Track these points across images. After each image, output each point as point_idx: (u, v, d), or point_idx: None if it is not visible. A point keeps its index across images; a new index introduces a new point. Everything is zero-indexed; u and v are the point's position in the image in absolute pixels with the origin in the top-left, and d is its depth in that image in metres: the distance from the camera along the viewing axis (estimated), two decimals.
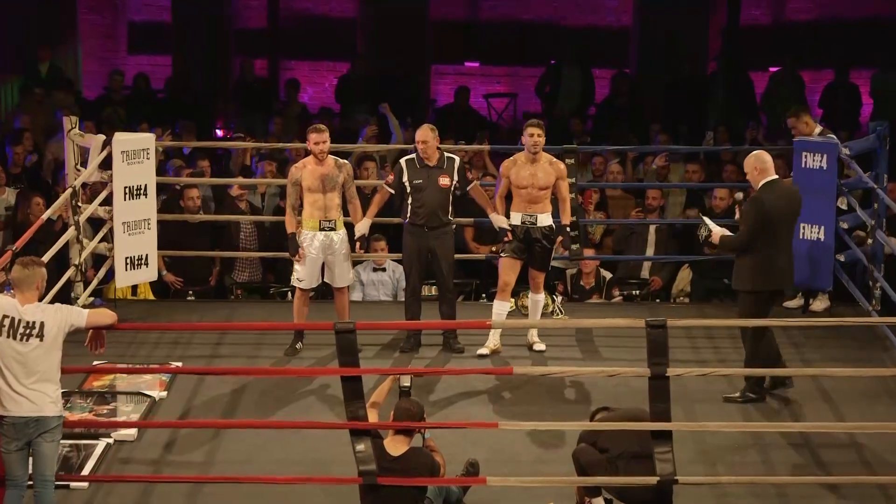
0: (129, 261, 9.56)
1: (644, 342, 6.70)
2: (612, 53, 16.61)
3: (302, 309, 8.95)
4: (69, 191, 9.29)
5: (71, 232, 9.33)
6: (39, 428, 6.39)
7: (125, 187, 9.47)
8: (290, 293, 10.36)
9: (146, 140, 9.74)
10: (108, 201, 9.62)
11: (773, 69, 15.54)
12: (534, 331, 9.11)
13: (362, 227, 8.98)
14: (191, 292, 10.59)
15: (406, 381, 6.93)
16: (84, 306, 8.58)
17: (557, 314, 9.72)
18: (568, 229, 8.99)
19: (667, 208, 11.38)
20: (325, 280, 8.99)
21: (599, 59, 16.25)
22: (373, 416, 6.78)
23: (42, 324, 6.41)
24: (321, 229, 8.82)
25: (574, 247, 9.58)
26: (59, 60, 15.11)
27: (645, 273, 10.95)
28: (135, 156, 9.51)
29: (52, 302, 7.08)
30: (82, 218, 9.44)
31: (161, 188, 10.28)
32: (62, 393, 6.57)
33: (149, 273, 9.77)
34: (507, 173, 8.89)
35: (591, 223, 11.05)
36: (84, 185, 9.70)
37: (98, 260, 10.03)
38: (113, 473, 7.28)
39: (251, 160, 12.14)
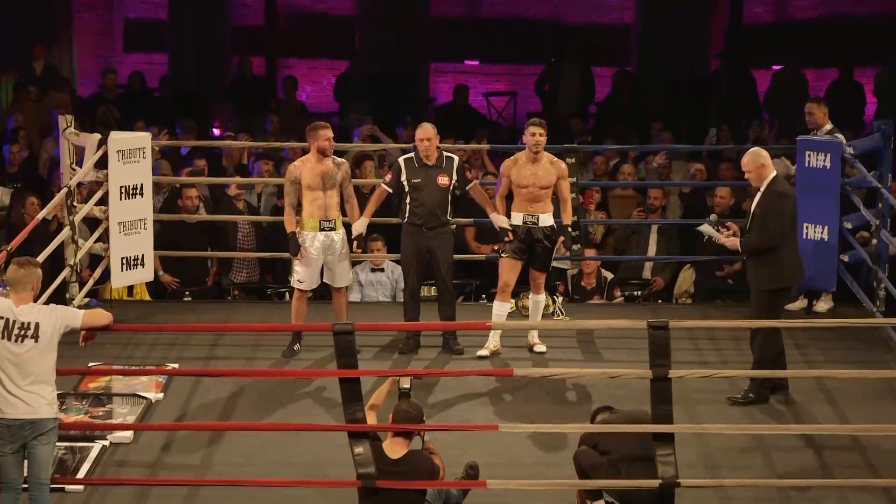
0: (124, 261, 9.56)
1: (646, 343, 6.70)
2: (614, 51, 16.61)
3: (300, 310, 8.95)
4: (64, 190, 9.29)
5: (66, 232, 9.33)
6: (35, 430, 6.39)
7: (121, 187, 9.48)
8: (287, 294, 10.36)
9: (142, 139, 9.74)
10: (103, 201, 9.62)
11: (776, 67, 15.53)
12: (534, 332, 9.12)
13: (360, 227, 8.98)
14: (188, 293, 10.59)
15: (406, 383, 6.93)
16: (79, 307, 8.56)
17: (558, 315, 9.73)
18: (569, 229, 9.00)
19: (668, 208, 11.37)
20: (324, 281, 8.99)
21: (601, 56, 16.24)
22: (371, 419, 6.78)
23: (37, 325, 6.41)
24: (322, 229, 8.82)
25: (575, 247, 9.58)
26: (53, 58, 15.11)
27: (647, 273, 10.95)
28: (131, 155, 9.52)
29: (47, 303, 7.09)
30: (78, 218, 9.44)
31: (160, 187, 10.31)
32: (57, 395, 6.57)
33: (145, 273, 9.77)
34: (508, 173, 8.90)
35: (592, 223, 11.05)
36: (79, 184, 9.70)
37: (94, 260, 10.03)
38: (109, 476, 7.28)
39: (248, 159, 12.13)
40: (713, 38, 16.26)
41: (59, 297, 9.01)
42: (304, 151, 9.03)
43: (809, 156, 9.60)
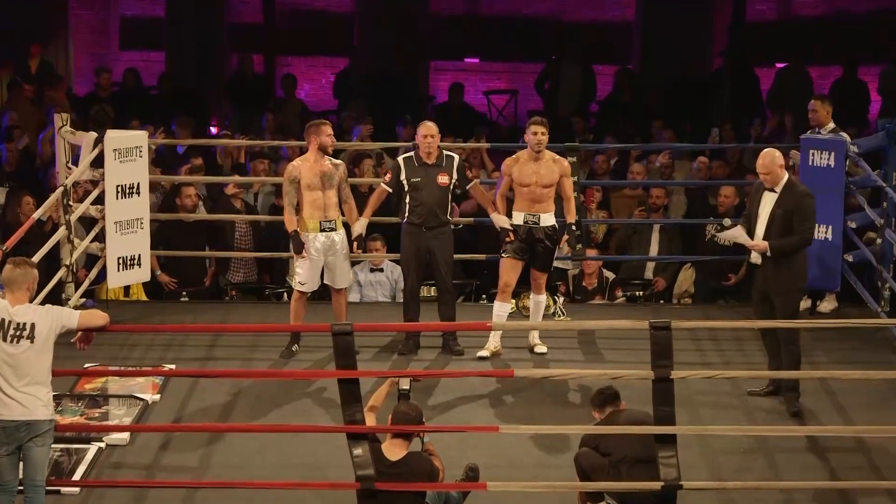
0: (121, 261, 9.57)
1: (648, 344, 6.70)
2: (615, 49, 16.61)
3: (299, 310, 8.95)
4: (60, 189, 9.29)
5: (62, 231, 9.33)
6: (31, 432, 6.39)
7: (117, 186, 9.48)
8: (286, 294, 10.36)
9: (138, 138, 9.74)
10: (99, 200, 9.62)
11: (779, 65, 15.53)
12: (535, 333, 9.12)
13: (359, 228, 8.98)
14: (185, 293, 10.59)
15: (405, 384, 6.93)
16: (75, 307, 8.58)
17: (559, 315, 9.73)
18: (573, 228, 8.98)
19: (671, 207, 11.37)
20: (324, 281, 8.99)
21: (602, 54, 16.24)
22: (371, 420, 6.78)
23: (33, 325, 6.41)
24: (322, 230, 8.82)
25: (577, 247, 9.58)
26: (49, 56, 15.10)
27: (648, 273, 10.95)
28: (127, 154, 9.52)
29: (43, 303, 7.09)
30: (73, 217, 9.44)
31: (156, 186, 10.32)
32: (53, 396, 6.57)
33: (141, 273, 9.77)
34: (509, 171, 8.90)
35: (593, 222, 11.05)
36: (75, 183, 9.70)
37: (90, 260, 10.03)
38: (105, 478, 7.29)
39: (245, 158, 12.12)
40: (716, 36, 16.25)
41: (55, 298, 9.01)
42: (303, 150, 9.02)
43: (814, 154, 9.60)
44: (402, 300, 9.34)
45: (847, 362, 8.74)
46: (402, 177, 8.98)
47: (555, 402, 8.30)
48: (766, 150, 8.18)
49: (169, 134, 12.21)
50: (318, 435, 7.48)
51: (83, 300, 9.67)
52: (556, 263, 9.82)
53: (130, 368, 8.61)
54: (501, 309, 8.95)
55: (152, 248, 9.86)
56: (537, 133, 8.80)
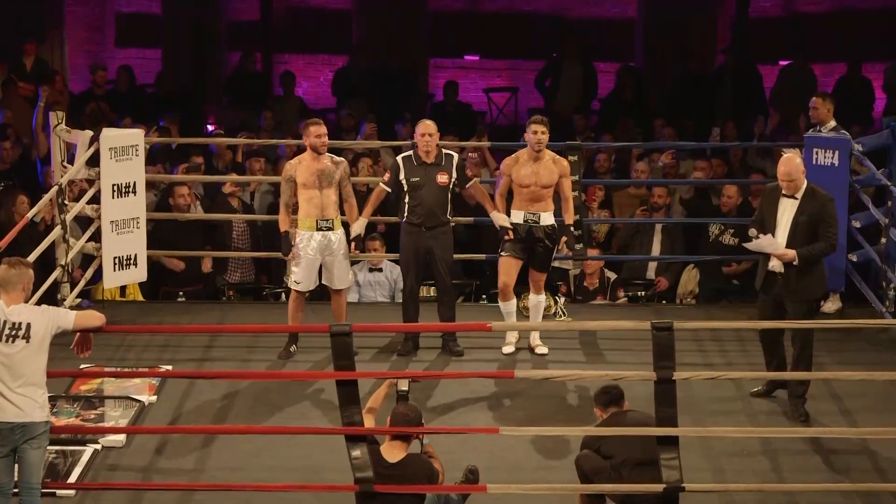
0: (117, 261, 9.57)
1: (650, 345, 6.71)
2: (617, 46, 16.61)
3: (296, 311, 8.96)
4: (55, 189, 9.29)
5: (57, 231, 9.33)
6: (26, 434, 6.40)
7: (113, 185, 9.48)
8: (283, 294, 10.37)
9: (135, 136, 9.74)
10: (95, 199, 9.63)
11: (783, 62, 15.54)
12: (536, 333, 9.13)
13: (358, 228, 8.99)
14: (181, 293, 10.59)
15: (404, 385, 6.94)
16: (71, 308, 8.58)
17: (560, 316, 9.73)
18: (571, 228, 9.00)
19: (673, 206, 11.37)
20: (322, 282, 8.99)
21: (603, 52, 16.24)
22: (369, 422, 6.79)
23: (28, 325, 6.42)
24: (318, 229, 8.83)
25: (577, 246, 9.59)
26: (44, 54, 15.10)
27: (650, 273, 10.95)
28: (123, 152, 9.52)
29: (38, 303, 7.09)
30: (69, 217, 9.44)
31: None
32: (48, 397, 6.57)
33: (138, 273, 9.77)
34: (509, 171, 8.91)
35: (595, 222, 11.05)
36: (71, 182, 9.70)
37: (85, 260, 10.03)
38: (100, 481, 7.29)
39: (243, 157, 12.12)
40: (718, 33, 16.25)
41: (51, 298, 9.01)
42: (300, 149, 9.03)
43: (817, 153, 9.61)
44: (401, 300, 9.35)
45: (851, 363, 8.74)
46: (401, 176, 8.98)
47: (556, 403, 8.30)
48: (787, 155, 8.10)
49: (163, 133, 12.20)
50: (316, 437, 7.48)
51: (79, 300, 9.68)
52: (557, 264, 9.84)
53: (127, 369, 8.62)
54: (507, 308, 9.00)
55: (148, 247, 9.85)
56: (537, 132, 8.80)
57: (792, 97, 13.84)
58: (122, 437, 7.68)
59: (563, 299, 10.02)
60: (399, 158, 9.07)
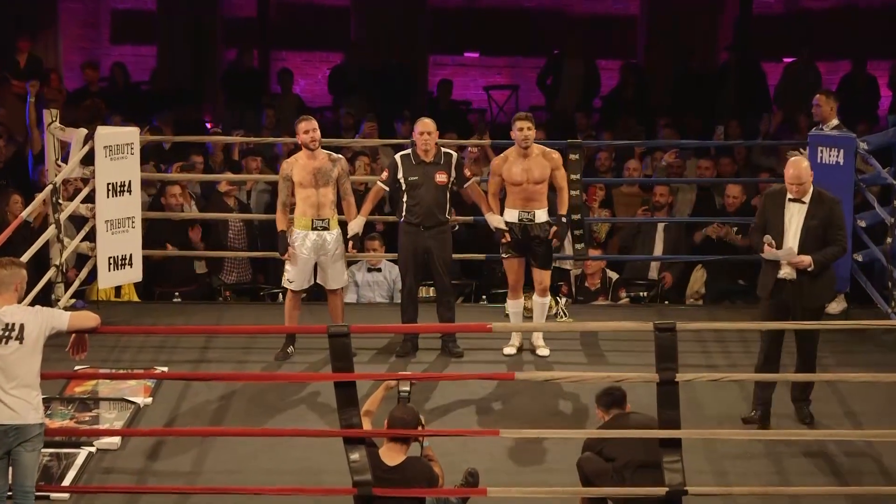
0: (112, 261, 9.57)
1: (652, 346, 6.71)
2: (619, 43, 16.61)
3: (293, 311, 8.96)
4: (49, 188, 9.29)
5: (51, 230, 9.33)
6: (20, 436, 6.39)
7: (108, 184, 9.48)
8: (281, 295, 10.36)
9: (130, 134, 9.74)
10: (90, 198, 9.62)
11: (787, 60, 15.54)
12: (538, 335, 9.12)
13: (355, 227, 8.98)
14: (177, 294, 10.59)
15: (405, 387, 6.94)
16: (65, 308, 8.58)
17: (561, 317, 9.73)
18: (564, 220, 8.96)
19: (675, 206, 11.37)
20: (317, 281, 9.00)
21: (605, 49, 16.23)
22: (366, 425, 6.78)
23: (22, 326, 6.41)
24: (314, 228, 8.83)
25: (579, 246, 9.58)
26: (38, 51, 15.10)
27: (653, 273, 10.95)
28: (118, 151, 9.52)
29: (31, 304, 7.09)
30: (63, 216, 9.44)
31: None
32: (42, 399, 6.56)
33: (133, 274, 9.77)
34: (499, 171, 8.90)
35: (596, 221, 11.04)
36: (65, 181, 9.69)
37: (80, 260, 10.03)
38: (95, 484, 7.29)
39: (239, 155, 12.11)
40: (722, 30, 16.25)
41: (45, 298, 9.01)
42: (297, 147, 9.03)
43: (822, 151, 9.60)
44: (399, 301, 9.34)
45: (856, 365, 8.73)
46: (400, 175, 8.98)
47: (557, 405, 8.30)
48: (795, 158, 7.99)
49: (153, 130, 12.18)
50: (314, 439, 7.48)
51: (73, 301, 9.67)
52: (557, 264, 9.83)
53: (122, 371, 8.62)
54: (514, 307, 9.02)
55: (144, 247, 9.84)
56: (523, 129, 8.78)
57: (796, 95, 13.85)
58: (117, 440, 7.68)
59: (564, 300, 10.01)
60: (397, 157, 9.07)
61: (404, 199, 8.99)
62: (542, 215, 8.87)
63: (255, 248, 10.89)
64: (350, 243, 8.97)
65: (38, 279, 9.03)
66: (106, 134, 9.56)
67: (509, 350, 9.07)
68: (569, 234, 9.56)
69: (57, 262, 9.45)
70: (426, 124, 8.99)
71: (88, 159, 9.51)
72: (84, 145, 9.50)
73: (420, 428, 6.72)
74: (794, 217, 7.87)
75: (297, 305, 8.97)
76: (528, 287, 9.24)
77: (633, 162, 11.66)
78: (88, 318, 6.68)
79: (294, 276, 8.88)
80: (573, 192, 9.46)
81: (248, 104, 14.39)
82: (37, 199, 9.22)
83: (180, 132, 12.36)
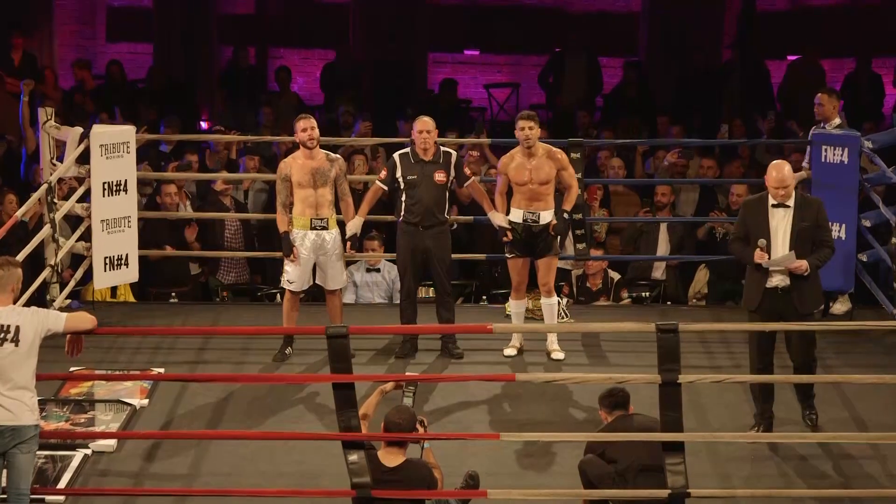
0: (108, 261, 9.57)
1: (654, 347, 6.71)
2: (621, 41, 16.60)
3: (291, 312, 8.96)
4: (44, 187, 9.28)
5: (46, 230, 9.33)
6: (15, 438, 6.40)
7: (104, 183, 9.48)
8: (279, 295, 10.37)
9: (126, 133, 9.74)
10: (85, 198, 9.62)
11: (791, 58, 15.54)
12: (553, 338, 9.08)
13: (354, 227, 8.99)
14: (174, 294, 10.59)
15: (412, 386, 6.95)
16: (60, 309, 8.57)
17: (562, 317, 9.72)
18: (566, 216, 8.95)
19: (679, 206, 11.37)
20: (316, 282, 9.00)
21: (607, 46, 16.23)
22: (363, 429, 6.79)
23: (17, 327, 6.42)
24: (312, 228, 8.83)
25: (580, 246, 9.58)
26: (32, 48, 15.10)
27: (656, 274, 10.95)
28: (114, 150, 9.52)
29: (26, 305, 7.09)
30: (58, 215, 9.44)
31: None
32: (37, 401, 6.57)
33: (129, 274, 9.77)
34: (505, 170, 8.89)
35: (596, 220, 11.04)
36: (60, 180, 9.69)
37: (75, 260, 10.03)
38: (91, 486, 7.29)
39: (237, 154, 12.11)
40: (725, 27, 16.25)
41: (40, 299, 9.01)
42: (295, 146, 9.03)
43: (826, 150, 9.60)
44: (399, 301, 9.34)
45: (861, 366, 8.73)
46: (398, 174, 8.98)
47: (558, 407, 8.30)
48: (777, 162, 7.84)
49: (153, 131, 12.16)
50: (312, 441, 7.49)
51: (68, 301, 9.67)
52: (559, 264, 9.82)
53: (118, 372, 8.61)
54: (517, 307, 9.03)
55: (140, 247, 9.85)
56: (524, 128, 8.77)
57: (800, 93, 13.85)
58: (112, 442, 7.68)
59: (565, 300, 10.01)
60: (396, 156, 9.07)
61: (403, 198, 8.99)
62: (546, 216, 8.86)
63: (252, 248, 10.89)
64: (348, 243, 8.98)
65: (33, 279, 9.03)
66: (101, 132, 9.56)
67: (510, 351, 9.07)
68: (570, 233, 9.55)
69: (52, 263, 9.44)
70: (425, 122, 8.99)
71: (84, 158, 9.51)
72: (79, 144, 9.49)
73: (420, 429, 6.73)
74: (781, 222, 7.73)
75: (296, 306, 8.97)
76: (532, 287, 9.24)
77: (616, 160, 11.63)
78: (84, 320, 6.68)
79: (294, 277, 8.88)
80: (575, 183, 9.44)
81: (246, 102, 14.38)
82: (32, 199, 9.21)
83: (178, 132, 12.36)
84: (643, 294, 10.76)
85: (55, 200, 9.40)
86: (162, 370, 8.68)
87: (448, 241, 9.12)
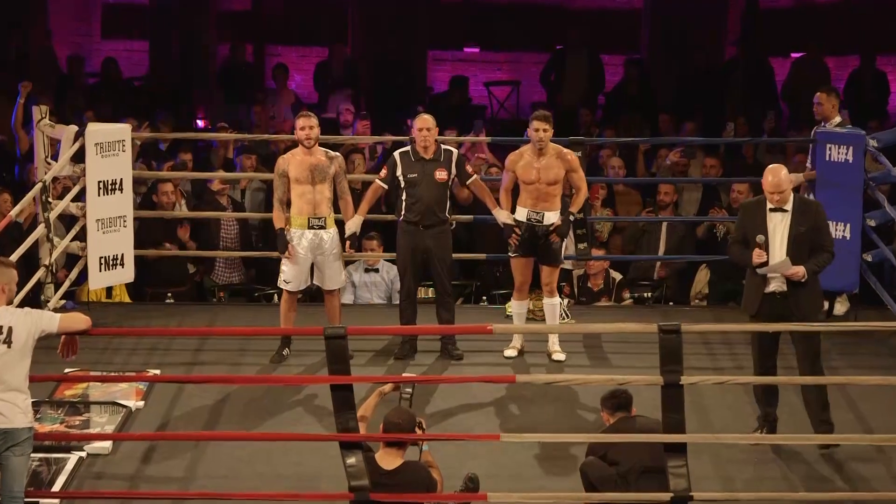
0: (103, 261, 9.56)
1: (656, 348, 6.71)
2: (623, 38, 16.60)
3: (289, 313, 8.96)
4: (38, 186, 9.28)
5: (41, 230, 9.32)
6: (8, 441, 6.39)
7: (99, 182, 9.48)
8: (276, 296, 10.36)
9: (121, 131, 9.73)
10: (80, 197, 9.62)
11: (795, 55, 15.54)
12: (554, 339, 9.08)
13: (353, 226, 8.99)
14: (169, 295, 10.59)
15: (408, 388, 6.94)
16: (55, 310, 8.58)
17: (563, 318, 9.72)
18: (570, 217, 8.95)
19: (681, 205, 11.37)
20: (314, 282, 9.00)
21: (609, 44, 16.23)
22: (361, 431, 6.78)
23: (10, 329, 6.41)
24: (310, 227, 8.83)
25: (581, 246, 9.58)
26: (27, 45, 15.09)
27: (658, 274, 10.95)
28: (109, 148, 9.51)
29: (20, 305, 7.09)
30: (53, 215, 9.43)
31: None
32: (31, 403, 6.56)
33: (125, 274, 9.76)
34: (513, 167, 8.89)
35: (598, 220, 11.04)
36: (55, 179, 9.69)
37: (70, 260, 10.03)
38: (86, 489, 7.29)
39: (233, 153, 12.12)
40: (729, 24, 16.25)
41: (34, 300, 9.01)
42: (295, 144, 9.03)
43: (830, 149, 9.60)
44: (398, 302, 9.35)
45: (866, 367, 8.74)
46: (398, 172, 8.98)
47: (559, 408, 8.30)
48: (773, 166, 7.77)
49: (153, 128, 12.19)
50: (310, 444, 7.49)
51: (63, 302, 9.66)
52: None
53: (113, 374, 8.62)
54: (519, 308, 9.03)
55: (135, 247, 9.84)
56: (539, 129, 8.77)
57: (804, 91, 13.84)
58: (108, 444, 7.68)
59: (566, 301, 10.01)
60: (396, 154, 9.06)
61: (403, 197, 8.99)
62: (551, 217, 8.86)
63: (250, 248, 10.88)
64: (347, 243, 8.97)
65: (28, 280, 9.03)
66: (97, 131, 9.55)
67: (510, 352, 9.07)
68: (571, 233, 9.56)
69: (46, 263, 9.44)
70: (425, 120, 8.99)
71: (79, 157, 9.50)
72: (74, 142, 9.49)
73: (419, 431, 6.73)
74: (779, 227, 7.68)
75: (294, 307, 8.97)
76: (533, 288, 9.24)
77: (616, 160, 11.63)
78: (79, 321, 6.68)
79: (291, 277, 8.88)
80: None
81: (243, 100, 14.38)
82: (26, 198, 9.21)
83: (172, 130, 12.37)
84: (645, 294, 10.76)
85: (50, 199, 9.39)
86: (158, 371, 8.68)
87: (449, 241, 9.12)
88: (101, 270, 9.58)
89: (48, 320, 6.55)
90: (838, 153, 9.55)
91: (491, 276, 10.80)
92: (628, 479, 6.73)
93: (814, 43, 15.14)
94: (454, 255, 9.31)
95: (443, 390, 8.46)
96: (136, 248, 9.86)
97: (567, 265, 10.55)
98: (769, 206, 7.69)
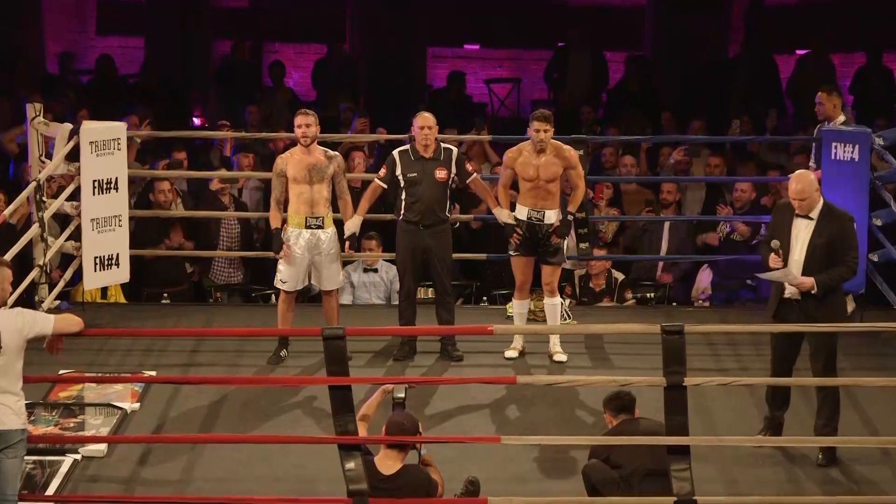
0: (98, 261, 9.56)
1: (659, 349, 6.70)
2: (626, 35, 16.60)
3: (286, 313, 8.96)
4: (32, 185, 9.27)
5: (35, 229, 9.32)
6: (1, 443, 6.39)
7: (94, 181, 9.46)
8: (274, 296, 10.36)
9: (117, 130, 9.72)
10: (75, 196, 9.61)
11: (800, 52, 15.54)
12: (555, 339, 9.08)
13: (352, 226, 8.98)
14: (166, 295, 10.59)
15: (400, 392, 6.94)
16: (49, 310, 8.58)
17: (565, 319, 9.72)
18: (570, 218, 8.95)
19: (685, 204, 11.36)
20: (311, 282, 9.00)
21: (611, 40, 16.23)
22: (362, 432, 6.79)
23: (1, 330, 6.40)
24: (307, 227, 8.83)
25: (583, 245, 9.57)
26: (21, 42, 15.08)
27: (660, 274, 10.95)
28: (104, 146, 9.50)
29: (14, 306, 7.08)
30: (47, 214, 9.43)
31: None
32: (25, 404, 6.56)
33: (120, 274, 9.75)
34: (512, 164, 8.90)
35: (601, 219, 11.04)
36: (49, 178, 9.69)
37: (64, 260, 10.02)
38: (80, 493, 7.28)
39: (230, 151, 12.12)
40: (733, 21, 16.25)
41: (28, 300, 9.01)
42: (293, 143, 9.04)
43: (836, 147, 9.59)
44: (397, 302, 9.34)
45: (871, 368, 8.74)
46: (398, 172, 8.97)
47: (560, 410, 8.30)
48: (799, 172, 7.78)
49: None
50: (308, 446, 7.48)
51: (58, 302, 9.66)
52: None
53: (108, 375, 8.62)
54: (520, 308, 9.03)
55: (131, 247, 9.84)
56: (539, 130, 8.77)
57: (808, 89, 13.84)
58: (103, 447, 7.67)
59: (567, 301, 10.01)
60: (396, 153, 9.06)
61: (403, 196, 8.99)
62: (551, 216, 8.85)
63: (251, 247, 10.88)
64: (347, 243, 8.97)
65: (21, 280, 9.02)
66: (91, 129, 9.54)
67: (511, 353, 9.07)
68: (572, 232, 9.55)
69: (41, 263, 9.43)
70: (426, 118, 8.99)
71: (73, 155, 9.50)
72: (69, 141, 9.48)
73: (418, 434, 6.73)
74: (801, 234, 7.65)
75: (291, 307, 8.97)
76: (534, 287, 9.24)
77: (628, 158, 11.62)
78: (72, 323, 6.68)
79: (287, 277, 8.88)
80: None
81: (240, 98, 14.38)
82: (20, 197, 9.20)
83: (165, 127, 12.35)
84: (648, 295, 10.76)
85: (44, 199, 9.39)
86: (154, 373, 8.68)
87: (449, 240, 9.12)
88: (95, 270, 9.57)
89: (42, 322, 6.54)
90: (844, 151, 9.54)
91: (496, 275, 10.75)
92: (631, 483, 6.73)
93: (819, 40, 15.13)
94: (455, 255, 9.31)
95: (443, 392, 8.46)
96: (132, 247, 9.85)
97: (568, 265, 10.55)
98: (796, 211, 7.66)
